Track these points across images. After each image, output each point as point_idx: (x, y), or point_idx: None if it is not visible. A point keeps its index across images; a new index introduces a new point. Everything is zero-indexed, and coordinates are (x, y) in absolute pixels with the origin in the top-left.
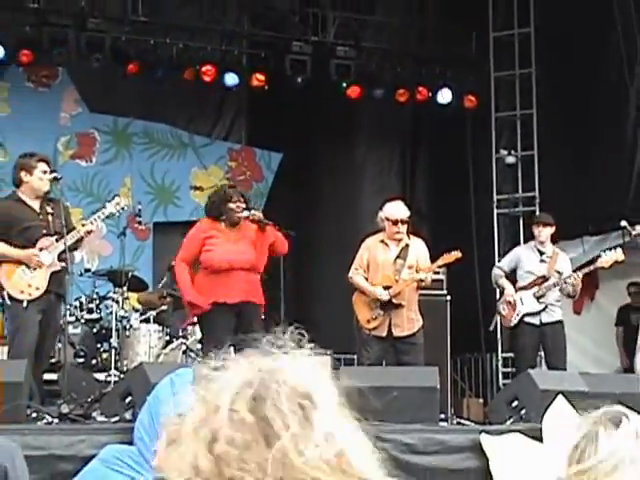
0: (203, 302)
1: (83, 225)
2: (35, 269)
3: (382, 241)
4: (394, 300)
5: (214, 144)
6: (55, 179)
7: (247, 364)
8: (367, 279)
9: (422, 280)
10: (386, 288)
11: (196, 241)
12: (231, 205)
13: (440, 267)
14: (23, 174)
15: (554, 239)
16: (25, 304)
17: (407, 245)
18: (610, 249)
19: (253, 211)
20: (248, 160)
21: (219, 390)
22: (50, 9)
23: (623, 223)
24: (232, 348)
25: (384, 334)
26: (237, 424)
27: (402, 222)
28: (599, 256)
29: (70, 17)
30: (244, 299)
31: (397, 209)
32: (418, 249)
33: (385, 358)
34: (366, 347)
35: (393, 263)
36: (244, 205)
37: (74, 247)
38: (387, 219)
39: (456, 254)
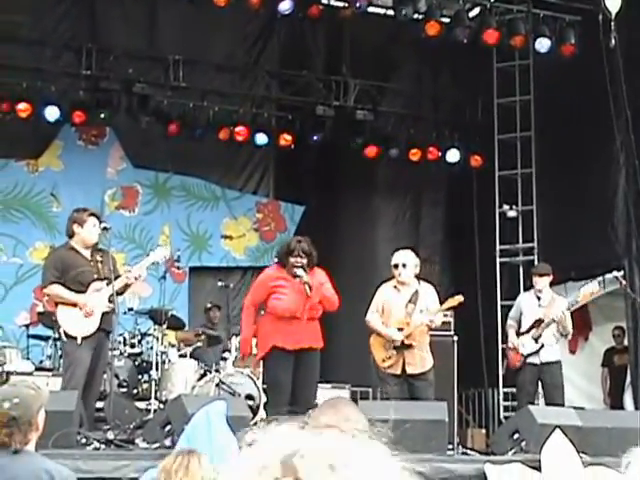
0: (248, 350)
1: (129, 271)
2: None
3: (395, 287)
4: (406, 341)
5: (244, 197)
6: (105, 229)
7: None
8: (382, 322)
9: (431, 322)
10: (399, 330)
11: (264, 287)
12: (291, 259)
13: (447, 310)
14: (75, 226)
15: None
16: (79, 341)
17: (417, 291)
18: (586, 284)
19: (302, 273)
20: (273, 212)
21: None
22: (101, 75)
23: (615, 273)
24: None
25: (399, 372)
26: None
27: (403, 266)
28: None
29: (118, 82)
30: (303, 346)
31: (398, 255)
32: (428, 294)
33: (401, 393)
34: (384, 384)
35: (405, 307)
36: (304, 261)
37: (122, 291)
38: (392, 264)
39: (458, 298)
